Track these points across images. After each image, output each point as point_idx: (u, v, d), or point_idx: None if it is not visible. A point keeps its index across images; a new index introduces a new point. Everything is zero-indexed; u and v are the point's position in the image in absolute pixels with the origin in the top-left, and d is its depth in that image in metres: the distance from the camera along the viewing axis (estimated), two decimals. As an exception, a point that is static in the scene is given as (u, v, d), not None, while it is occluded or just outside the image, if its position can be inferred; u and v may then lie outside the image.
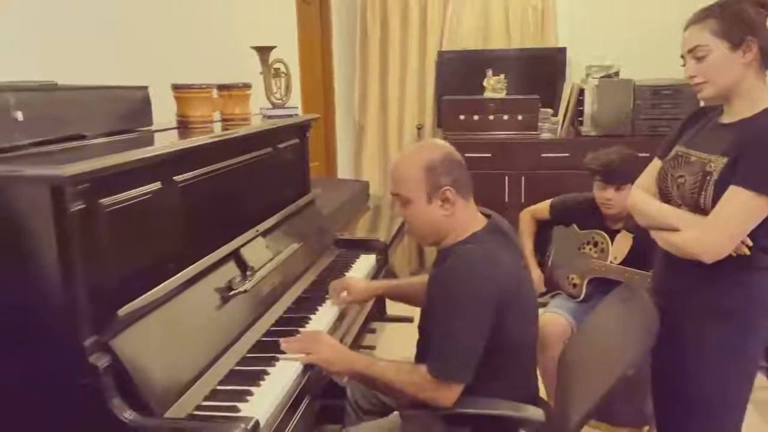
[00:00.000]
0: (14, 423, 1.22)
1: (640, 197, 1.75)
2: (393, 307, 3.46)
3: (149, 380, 1.25)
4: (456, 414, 1.54)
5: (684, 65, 1.61)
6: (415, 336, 1.69)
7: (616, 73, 3.81)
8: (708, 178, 1.52)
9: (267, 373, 1.48)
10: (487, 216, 1.66)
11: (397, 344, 2.98)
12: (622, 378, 1.51)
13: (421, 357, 1.62)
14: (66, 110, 1.44)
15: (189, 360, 1.40)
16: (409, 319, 3.51)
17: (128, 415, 1.18)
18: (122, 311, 1.24)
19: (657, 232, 1.67)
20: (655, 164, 1.77)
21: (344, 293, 1.95)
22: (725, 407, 1.61)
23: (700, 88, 1.57)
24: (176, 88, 1.79)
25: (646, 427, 2.49)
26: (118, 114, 1.63)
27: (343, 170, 4.33)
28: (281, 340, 1.61)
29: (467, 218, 1.60)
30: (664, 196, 1.69)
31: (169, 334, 1.38)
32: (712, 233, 1.49)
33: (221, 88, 1.92)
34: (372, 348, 3.25)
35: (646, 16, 3.92)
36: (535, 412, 1.54)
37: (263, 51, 2.20)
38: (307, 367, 1.56)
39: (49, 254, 1.13)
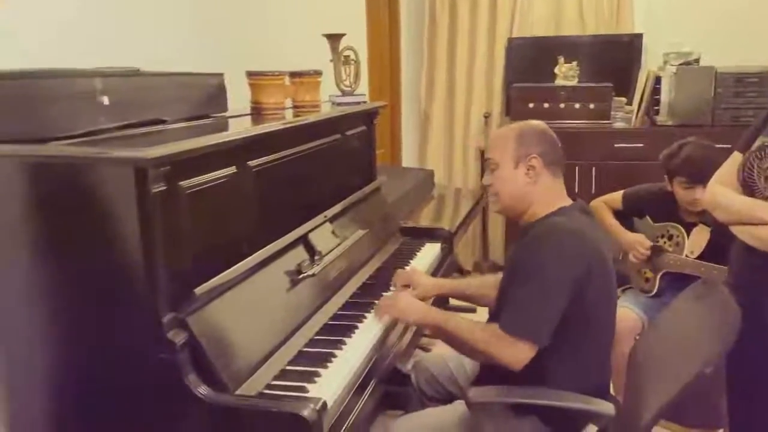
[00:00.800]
0: (95, 394, 1.28)
1: (720, 191, 1.67)
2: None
3: (223, 357, 1.29)
4: (524, 403, 1.54)
5: None
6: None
7: (696, 60, 3.63)
8: None
9: (334, 356, 1.51)
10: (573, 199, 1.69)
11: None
12: (698, 376, 1.46)
13: None
14: (147, 95, 1.50)
15: (260, 339, 1.44)
16: (473, 310, 3.50)
17: (203, 390, 1.23)
18: (199, 290, 1.28)
19: (741, 227, 1.59)
20: (735, 158, 1.69)
21: (410, 288, 1.96)
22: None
23: None
24: (250, 75, 1.83)
25: (720, 431, 2.40)
26: (195, 100, 1.68)
27: (408, 159, 4.32)
28: (376, 307, 1.73)
29: (554, 193, 1.64)
30: (749, 190, 1.61)
31: (242, 313, 1.42)
32: None
33: (293, 75, 1.95)
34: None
35: (727, 1, 3.72)
36: (605, 407, 1.50)
37: (333, 38, 2.22)
38: (374, 351, 1.57)
39: (132, 233, 1.18)
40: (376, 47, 3.76)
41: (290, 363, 1.47)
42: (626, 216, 2.54)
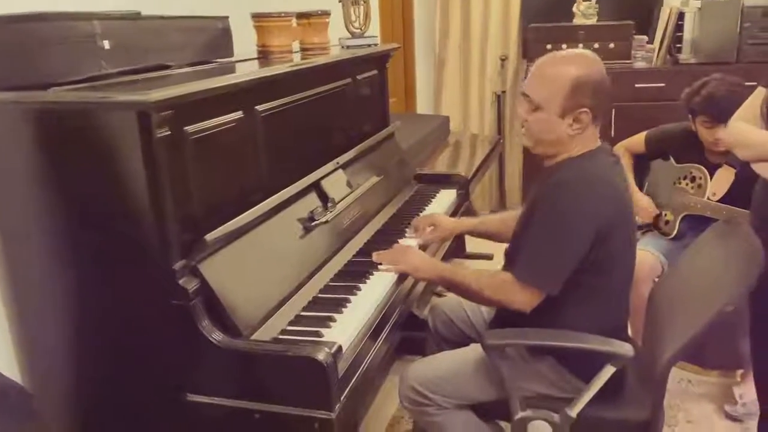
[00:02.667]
0: (110, 343, 1.29)
1: (742, 128, 1.61)
2: (472, 244, 3.43)
3: (236, 304, 1.29)
4: (540, 345, 1.53)
5: None
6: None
7: (722, -6, 3.47)
8: None
9: (349, 301, 1.50)
10: None
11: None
12: (719, 314, 1.43)
13: (508, 266, 1.61)
14: (150, 40, 1.46)
15: (274, 286, 1.43)
16: (489, 257, 3.48)
17: (217, 335, 1.23)
18: (209, 236, 1.27)
19: (765, 164, 1.53)
20: (759, 93, 1.61)
21: (431, 228, 1.94)
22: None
23: None
24: (256, 17, 1.78)
25: (740, 371, 2.38)
26: (199, 44, 1.63)
27: (423, 107, 4.23)
28: (374, 253, 1.69)
29: (587, 140, 1.54)
30: (775, 124, 1.54)
31: (255, 260, 1.41)
32: None
33: (300, 16, 1.89)
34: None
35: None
36: (623, 348, 1.48)
37: (342, -22, 2.14)
38: (388, 297, 1.56)
39: (138, 180, 1.16)
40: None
41: (305, 309, 1.47)
42: (651, 158, 2.47)
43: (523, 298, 1.49)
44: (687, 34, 3.44)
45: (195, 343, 1.21)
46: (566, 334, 1.53)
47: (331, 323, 1.40)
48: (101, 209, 1.21)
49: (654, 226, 2.44)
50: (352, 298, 1.52)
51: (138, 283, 1.23)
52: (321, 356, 1.20)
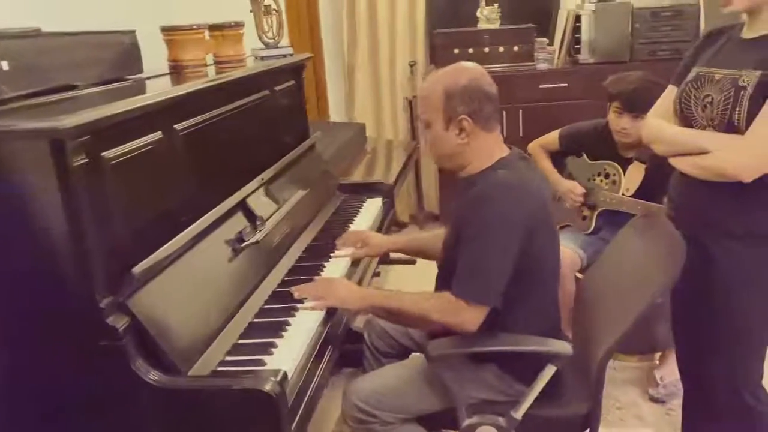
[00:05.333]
0: (40, 391, 1.17)
1: (657, 124, 1.68)
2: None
3: (171, 339, 1.20)
4: (482, 351, 1.53)
5: None
6: (420, 277, 1.66)
7: (614, -3, 3.67)
8: (742, 92, 1.46)
9: (288, 324, 1.44)
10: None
11: (401, 287, 2.96)
12: (649, 306, 1.49)
13: (441, 289, 1.59)
14: (53, 58, 1.34)
15: (208, 315, 1.35)
16: (413, 261, 3.49)
17: (153, 375, 1.14)
18: (137, 269, 1.18)
19: (682, 158, 1.61)
20: (671, 91, 1.70)
21: (360, 245, 1.91)
22: (754, 331, 1.60)
23: (729, 2, 1.48)
24: (165, 30, 1.68)
25: (658, 354, 2.51)
26: (107, 61, 1.53)
27: (334, 114, 4.20)
28: (293, 288, 1.59)
29: (489, 148, 1.56)
30: (686, 120, 1.62)
31: (185, 290, 1.33)
32: (752, 150, 1.44)
33: (213, 28, 1.81)
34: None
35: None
36: (563, 347, 1.51)
37: (252, -13, 2.07)
38: (329, 316, 1.52)
39: (55, 214, 1.06)
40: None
41: (242, 336, 1.40)
42: (564, 155, 2.56)
43: (469, 317, 1.47)
44: (584, 35, 3.60)
45: (130, 386, 1.12)
46: (508, 338, 1.54)
47: (273, 349, 1.34)
48: (17, 248, 1.09)
49: (572, 222, 2.53)
50: (291, 320, 1.46)
51: (62, 325, 1.12)
52: (268, 387, 1.14)
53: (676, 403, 2.26)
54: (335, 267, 1.79)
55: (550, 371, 1.52)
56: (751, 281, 1.56)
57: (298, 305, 1.52)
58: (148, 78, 1.64)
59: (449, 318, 1.48)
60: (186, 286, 1.33)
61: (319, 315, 1.50)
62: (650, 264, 1.59)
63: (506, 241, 1.46)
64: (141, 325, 1.15)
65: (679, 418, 1.97)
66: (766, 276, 1.55)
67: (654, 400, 2.34)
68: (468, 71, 1.55)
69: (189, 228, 1.37)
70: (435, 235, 1.95)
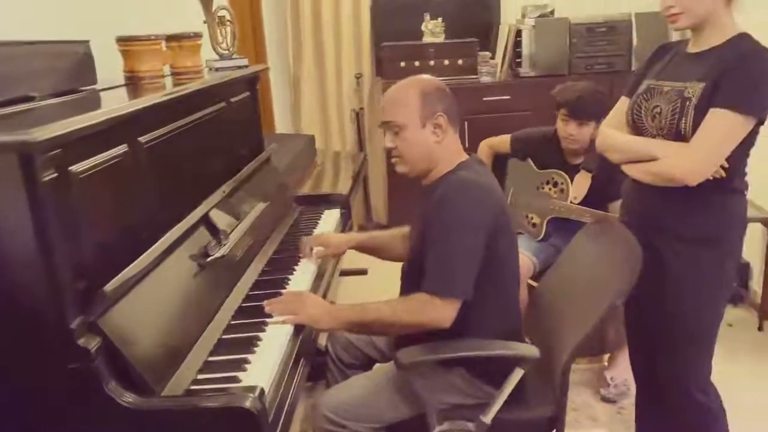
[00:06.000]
0: (9, 418, 1.10)
1: (611, 134, 1.76)
2: (347, 261, 3.42)
3: (143, 358, 1.16)
4: (453, 357, 1.55)
5: None
6: (370, 288, 1.67)
7: (551, 12, 3.81)
8: (687, 103, 1.55)
9: (259, 339, 1.42)
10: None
11: (353, 297, 2.95)
12: (610, 309, 1.55)
13: (409, 293, 1.60)
14: (6, 69, 1.28)
15: (177, 332, 1.31)
16: (364, 272, 3.49)
17: (128, 397, 1.10)
18: (109, 287, 1.13)
19: (634, 165, 1.68)
20: (623, 102, 1.78)
21: (320, 248, 1.90)
22: (705, 331, 1.69)
23: (676, 19, 1.57)
24: (121, 40, 1.63)
25: (607, 356, 2.60)
26: (62, 72, 1.47)
27: (280, 126, 4.16)
28: (265, 302, 1.56)
29: (455, 150, 1.63)
30: (638, 130, 1.71)
31: (154, 307, 1.28)
32: (697, 156, 1.53)
33: (170, 39, 1.76)
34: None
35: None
36: (530, 350, 1.55)
37: (206, -2, 2.04)
38: (299, 329, 1.50)
39: (24, 231, 1.01)
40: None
41: (212, 353, 1.37)
42: (512, 157, 2.64)
43: (444, 313, 1.50)
44: (525, 49, 3.73)
45: (103, 409, 1.07)
46: (476, 343, 1.57)
47: (246, 365, 1.31)
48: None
49: (522, 229, 2.59)
50: (262, 335, 1.44)
51: (31, 347, 1.06)
52: (248, 403, 1.12)
53: (627, 403, 2.35)
54: (300, 279, 1.77)
55: (518, 374, 1.55)
56: (701, 283, 1.64)
57: (268, 320, 1.50)
58: (104, 89, 1.58)
59: (423, 317, 1.51)
60: (155, 304, 1.29)
61: (290, 328, 1.48)
62: (608, 268, 1.65)
63: (472, 238, 1.51)
64: (113, 346, 1.11)
65: (631, 417, 2.05)
66: (715, 277, 1.64)
67: (606, 400, 2.43)
68: (431, 78, 1.67)
69: (157, 243, 1.33)
70: (392, 234, 1.98)
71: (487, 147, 2.70)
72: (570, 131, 2.39)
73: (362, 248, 2.01)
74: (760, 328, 2.87)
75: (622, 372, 2.41)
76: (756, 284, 2.98)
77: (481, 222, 1.52)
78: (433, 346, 1.55)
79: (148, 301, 1.27)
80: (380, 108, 1.65)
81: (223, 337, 1.44)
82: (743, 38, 1.57)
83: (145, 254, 1.28)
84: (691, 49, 1.65)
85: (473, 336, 1.58)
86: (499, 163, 2.71)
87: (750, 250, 2.94)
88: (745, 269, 3.00)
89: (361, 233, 2.06)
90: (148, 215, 1.39)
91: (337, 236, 1.99)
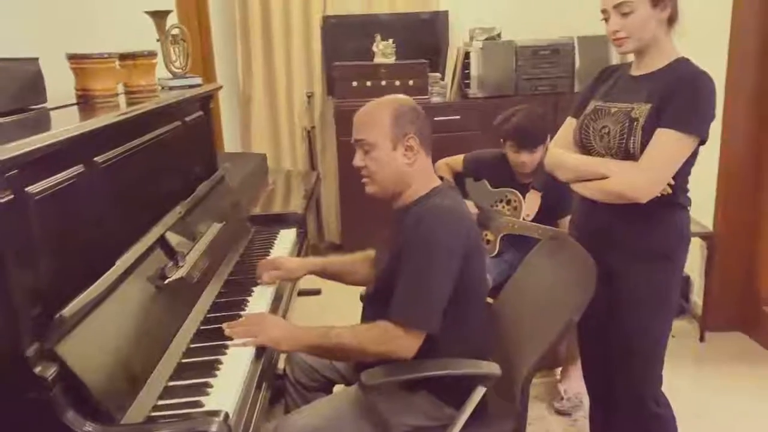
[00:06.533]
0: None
1: (560, 153, 1.82)
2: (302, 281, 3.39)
3: (103, 385, 1.12)
4: (417, 378, 1.54)
5: (604, 19, 1.67)
6: (324, 307, 1.66)
7: (498, 35, 3.92)
8: (635, 123, 1.62)
9: (220, 363, 1.39)
10: None
11: (307, 317, 2.93)
12: (568, 325, 1.59)
13: (373, 319, 1.59)
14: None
15: (136, 358, 1.27)
16: (317, 292, 3.48)
17: (87, 428, 1.06)
18: (67, 311, 1.09)
19: (584, 184, 1.74)
20: (570, 122, 1.84)
21: (276, 271, 1.87)
22: (656, 343, 1.75)
23: (622, 43, 1.64)
24: (73, 58, 1.59)
25: (559, 369, 2.66)
26: (10, 90, 1.42)
27: (229, 145, 4.12)
28: (224, 325, 1.53)
29: (427, 174, 1.62)
30: (586, 149, 1.77)
31: (112, 332, 1.24)
32: (646, 173, 1.59)
33: (124, 57, 1.73)
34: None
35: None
36: (491, 367, 1.57)
37: (159, 16, 2.02)
38: (260, 351, 1.48)
39: (-22, 255, 0.96)
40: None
41: (172, 378, 1.33)
42: (464, 177, 2.69)
43: (408, 343, 1.49)
44: (473, 71, 3.81)
45: (63, 439, 1.03)
46: (440, 363, 1.57)
47: (209, 389, 1.28)
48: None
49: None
50: (223, 358, 1.41)
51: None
52: (214, 428, 1.10)
53: (581, 415, 2.40)
54: (259, 301, 1.75)
55: (480, 392, 1.57)
56: (651, 296, 1.71)
57: (228, 342, 1.47)
58: (55, 108, 1.54)
59: (385, 347, 1.49)
60: (113, 328, 1.25)
61: (252, 351, 1.46)
62: (564, 284, 1.70)
63: (446, 265, 1.50)
64: (71, 373, 1.07)
65: (585, 429, 2.10)
66: (664, 290, 1.71)
67: (559, 412, 2.47)
68: (406, 98, 1.64)
69: (114, 266, 1.29)
70: (355, 259, 1.95)
71: (444, 165, 2.74)
72: (522, 160, 2.46)
73: (323, 273, 1.97)
74: (701, 339, 3.00)
75: (574, 385, 2.47)
76: (697, 296, 3.12)
77: (455, 247, 1.51)
78: (398, 367, 1.54)
79: (106, 325, 1.23)
80: (353, 125, 1.62)
81: (183, 361, 1.41)
82: (683, 62, 1.66)
83: (102, 277, 1.24)
84: (635, 71, 1.73)
85: (437, 355, 1.58)
86: (460, 182, 2.75)
87: (690, 264, 3.07)
88: (685, 282, 3.13)
89: (319, 258, 2.02)
90: (104, 237, 1.35)
91: (291, 260, 1.94)
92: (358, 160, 1.61)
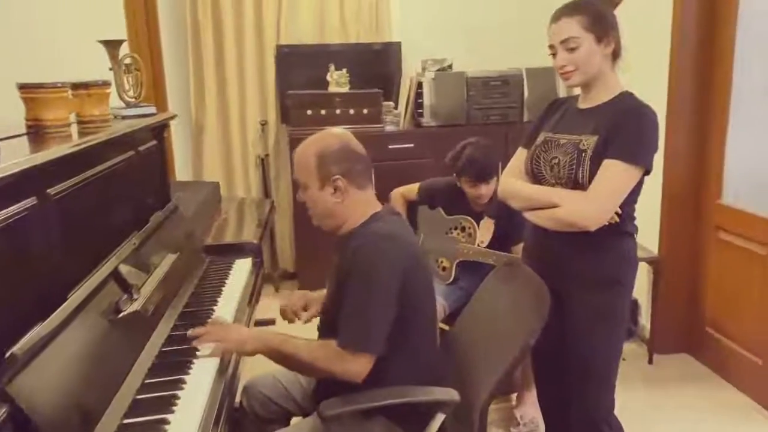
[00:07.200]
0: None
1: (512, 183, 1.87)
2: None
3: (55, 427, 1.08)
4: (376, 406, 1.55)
5: (552, 54, 1.74)
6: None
7: (450, 66, 4.01)
8: (583, 155, 1.68)
9: (178, 398, 1.37)
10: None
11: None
12: (524, 349, 1.62)
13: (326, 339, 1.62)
14: None
15: (91, 395, 1.24)
16: (272, 322, 3.43)
17: (39, 471, 1.01)
18: (18, 349, 1.06)
19: (535, 212, 1.79)
20: (521, 153, 1.90)
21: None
22: (608, 367, 1.80)
23: (569, 76, 1.71)
24: (24, 87, 1.55)
25: (515, 395, 2.69)
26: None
27: (182, 173, 4.06)
28: (189, 332, 1.58)
29: (363, 205, 1.65)
30: (537, 179, 1.82)
31: (65, 369, 1.20)
32: (595, 203, 1.66)
33: (76, 86, 1.70)
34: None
35: (470, 13, 4.17)
36: (449, 394, 1.58)
37: (112, 45, 2.00)
38: (216, 388, 1.45)
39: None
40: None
41: (127, 416, 1.29)
42: (419, 205, 2.73)
43: (354, 367, 1.52)
44: (426, 100, 3.88)
45: (12, 485, 0.99)
46: (398, 391, 1.58)
47: (166, 426, 1.26)
48: None
49: (432, 273, 2.66)
50: (180, 393, 1.38)
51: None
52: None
53: (537, 439, 2.43)
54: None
55: (439, 419, 1.58)
56: (601, 320, 1.76)
57: (185, 377, 1.44)
58: (4, 139, 1.49)
59: (333, 367, 1.52)
60: (66, 365, 1.21)
61: (209, 383, 1.44)
62: (519, 309, 1.73)
63: (385, 289, 1.53)
64: (22, 414, 1.03)
65: (541, 453, 2.13)
66: (614, 315, 1.76)
67: (517, 438, 2.50)
68: (337, 136, 1.66)
69: (67, 301, 1.26)
70: None
71: (399, 195, 2.78)
72: (480, 192, 2.51)
73: None
74: (650, 361, 3.09)
75: (530, 410, 2.50)
76: (645, 319, 3.22)
77: (394, 271, 1.54)
78: (356, 396, 1.54)
79: (58, 363, 1.19)
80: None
81: (138, 397, 1.37)
82: (627, 96, 1.75)
83: (55, 313, 1.21)
84: (582, 104, 1.80)
85: (394, 384, 1.59)
86: (413, 210, 2.79)
87: (638, 288, 3.17)
88: (634, 305, 3.23)
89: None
90: (56, 270, 1.31)
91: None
92: (299, 195, 1.68)
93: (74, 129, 1.70)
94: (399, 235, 1.63)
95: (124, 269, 1.60)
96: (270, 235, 4.07)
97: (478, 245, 2.52)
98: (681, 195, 3.05)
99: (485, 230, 2.53)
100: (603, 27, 1.67)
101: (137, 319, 1.55)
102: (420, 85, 3.90)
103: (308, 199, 1.65)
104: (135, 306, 1.52)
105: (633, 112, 1.67)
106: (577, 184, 1.71)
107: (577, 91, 1.83)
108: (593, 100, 1.77)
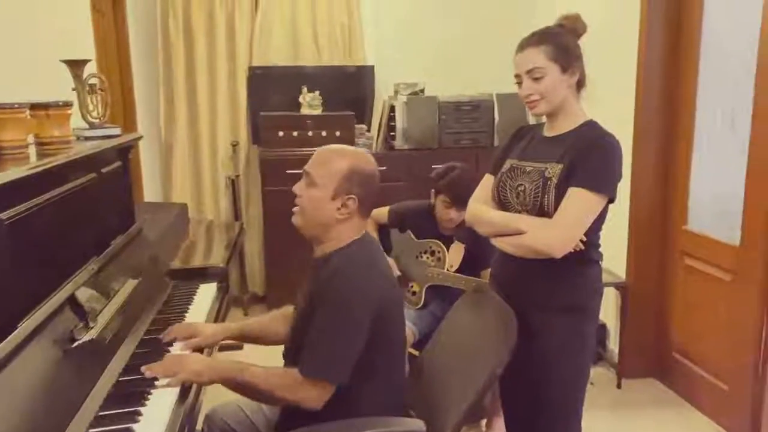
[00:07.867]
0: None
1: (480, 208, 1.87)
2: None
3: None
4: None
5: (518, 83, 1.75)
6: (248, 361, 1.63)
7: (422, 90, 4.04)
8: (548, 183, 1.69)
9: (132, 431, 1.31)
10: None
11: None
12: (492, 377, 1.61)
13: (290, 365, 1.58)
14: None
15: (42, 430, 1.18)
16: (239, 347, 3.37)
17: None
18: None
19: (501, 239, 1.79)
20: (488, 179, 1.91)
21: (193, 339, 1.79)
22: (575, 394, 1.79)
23: (535, 105, 1.73)
24: (-20, 108, 1.51)
25: (484, 421, 2.67)
26: None
27: (150, 193, 4.00)
28: (143, 367, 1.51)
29: (353, 232, 1.62)
30: (503, 205, 1.83)
31: (15, 401, 1.15)
32: (560, 230, 1.66)
33: (35, 107, 1.66)
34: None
35: (443, 38, 4.21)
36: (416, 424, 1.56)
37: (76, 65, 1.96)
38: (175, 419, 1.40)
39: None
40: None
41: (78, 450, 1.24)
42: (390, 228, 2.72)
43: (314, 395, 1.49)
44: (398, 123, 3.89)
45: None
46: (362, 422, 1.55)
47: (120, 460, 1.21)
48: None
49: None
50: (135, 426, 1.33)
51: None
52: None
53: (506, 466, 2.41)
54: (177, 361, 1.67)
55: (403, 451, 1.55)
56: (565, 349, 1.76)
57: (141, 409, 1.39)
58: (-43, 159, 1.45)
59: (292, 395, 1.50)
60: (15, 397, 1.16)
61: (166, 415, 1.38)
62: (487, 336, 1.73)
63: (356, 319, 1.51)
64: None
65: (510, 480, 2.10)
66: (580, 342, 1.76)
67: (486, 465, 2.48)
68: (373, 163, 1.65)
69: (17, 330, 1.21)
70: (272, 318, 1.91)
71: (370, 219, 2.75)
72: (451, 215, 2.52)
73: (241, 337, 1.91)
74: (618, 386, 3.10)
75: (499, 436, 2.48)
76: (613, 343, 3.23)
77: (368, 301, 1.52)
78: (320, 427, 1.52)
79: (7, 394, 1.14)
80: (313, 156, 1.62)
81: (90, 431, 1.32)
82: (591, 124, 1.76)
83: (4, 342, 1.16)
84: (547, 133, 1.82)
85: (361, 412, 1.56)
86: (385, 233, 2.77)
87: (606, 312, 3.20)
88: (602, 330, 3.25)
89: (235, 323, 1.94)
90: (9, 297, 1.26)
91: (208, 327, 1.85)
92: (298, 188, 1.62)
93: (33, 150, 1.66)
94: (373, 264, 1.61)
95: (81, 295, 1.55)
96: (239, 257, 4.03)
97: (448, 269, 2.51)
98: (647, 220, 3.09)
99: (455, 254, 2.53)
100: (568, 57, 1.69)
101: (94, 347, 1.50)
102: (393, 108, 3.92)
103: (308, 197, 1.59)
104: (91, 334, 1.47)
105: (597, 141, 1.69)
106: (542, 211, 1.72)
107: (545, 118, 1.84)
108: (558, 128, 1.78)
